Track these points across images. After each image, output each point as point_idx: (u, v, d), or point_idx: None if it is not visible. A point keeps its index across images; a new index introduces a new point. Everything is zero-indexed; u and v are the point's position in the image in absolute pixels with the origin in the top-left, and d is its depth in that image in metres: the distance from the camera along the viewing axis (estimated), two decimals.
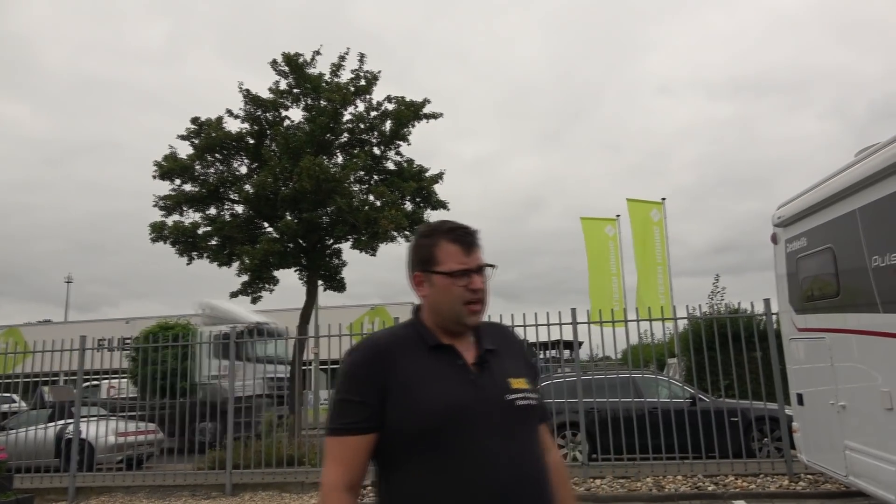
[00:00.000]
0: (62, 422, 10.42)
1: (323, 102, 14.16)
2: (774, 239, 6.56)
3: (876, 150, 4.74)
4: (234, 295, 14.37)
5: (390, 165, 15.15)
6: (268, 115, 14.56)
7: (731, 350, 8.22)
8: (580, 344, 9.22)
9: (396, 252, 18.52)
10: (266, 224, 14.68)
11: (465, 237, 1.61)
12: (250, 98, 14.38)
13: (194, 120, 14.60)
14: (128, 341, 19.94)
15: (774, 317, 7.83)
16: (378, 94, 14.81)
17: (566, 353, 18.46)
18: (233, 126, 14.58)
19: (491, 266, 1.64)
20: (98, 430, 9.85)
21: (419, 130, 14.98)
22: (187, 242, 14.20)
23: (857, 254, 4.88)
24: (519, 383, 1.59)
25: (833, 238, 5.32)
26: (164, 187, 14.63)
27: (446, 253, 1.59)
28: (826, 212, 5.43)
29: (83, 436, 9.59)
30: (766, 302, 8.16)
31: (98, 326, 30.30)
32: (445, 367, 1.54)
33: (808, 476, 7.47)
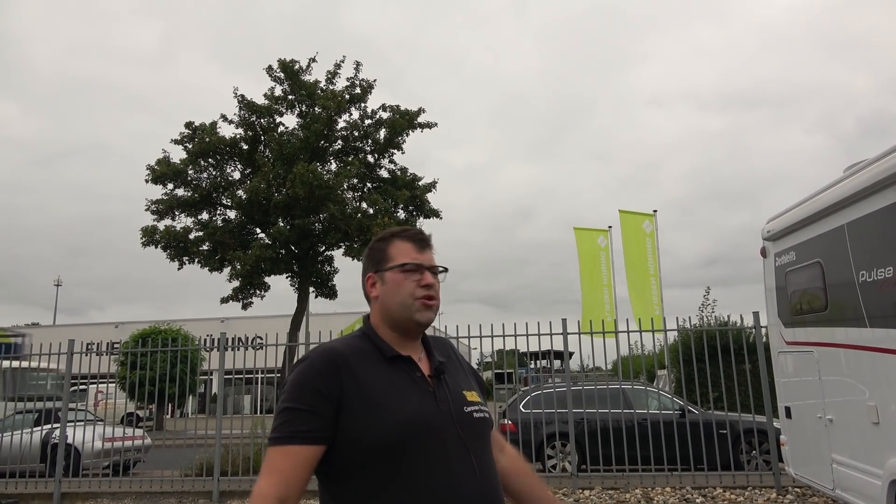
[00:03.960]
0: (48, 426, 10.32)
1: (318, 109, 14.19)
2: (764, 253, 6.61)
3: (864, 166, 4.80)
4: (224, 301, 14.33)
5: (384, 173, 15.20)
6: (262, 120, 14.59)
7: (720, 362, 8.25)
8: (571, 354, 9.24)
9: None
10: (258, 230, 14.67)
11: (418, 235, 1.62)
12: (245, 104, 14.40)
13: (188, 124, 14.60)
14: (117, 346, 19.79)
15: (763, 330, 7.88)
16: (372, 102, 14.89)
17: (556, 363, 18.47)
18: (227, 131, 14.60)
19: (443, 269, 1.61)
20: (84, 436, 9.77)
21: (411, 138, 15.06)
22: (179, 247, 14.17)
23: (845, 268, 4.92)
24: (472, 396, 1.58)
25: (821, 252, 5.37)
26: (157, 191, 14.62)
27: (399, 250, 1.58)
28: (815, 226, 5.48)
29: (69, 441, 9.50)
30: (756, 315, 8.21)
31: (87, 330, 30.01)
32: (405, 379, 1.50)
33: (796, 489, 7.50)
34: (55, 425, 9.91)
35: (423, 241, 1.61)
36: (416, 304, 1.54)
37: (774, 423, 7.60)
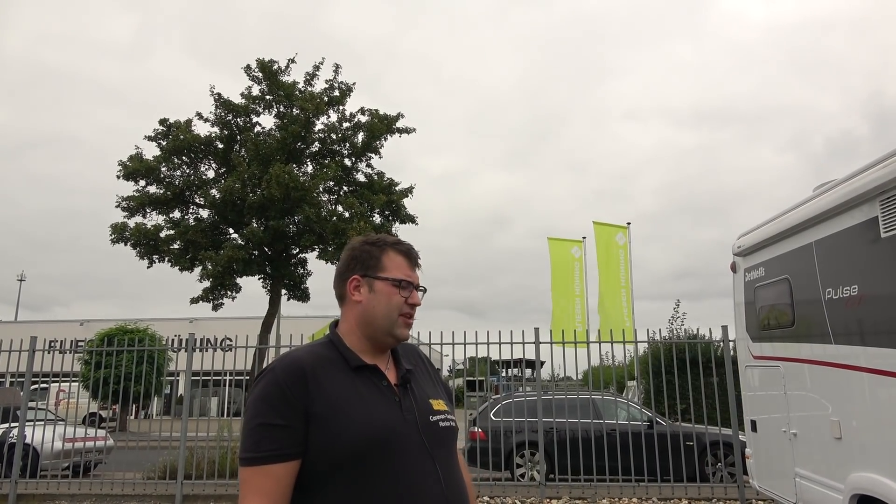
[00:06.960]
0: (6, 425, 10.02)
1: (295, 111, 14.10)
2: (734, 268, 6.71)
3: (833, 186, 4.91)
4: (194, 301, 14.10)
5: (361, 177, 15.14)
6: (239, 120, 14.44)
7: (688, 375, 8.36)
8: (542, 364, 9.27)
9: None
10: (231, 230, 14.48)
11: (412, 252, 1.64)
12: (221, 102, 14.24)
13: (162, 121, 14.40)
14: (81, 344, 19.32)
15: (732, 343, 7.99)
16: (350, 105, 14.83)
17: (528, 372, 18.51)
18: (202, 129, 14.41)
19: (424, 290, 1.65)
20: (44, 436, 9.51)
21: (389, 143, 15.03)
22: (149, 245, 13.92)
23: (812, 286, 5.02)
24: (439, 405, 1.58)
25: (790, 269, 5.47)
26: (128, 187, 14.36)
27: (393, 262, 1.58)
28: (784, 243, 5.58)
29: (28, 441, 9.24)
30: (724, 329, 8.33)
31: (50, 327, 29.39)
32: (370, 388, 1.49)
33: (760, 502, 7.61)
34: (13, 424, 9.63)
35: (415, 260, 1.63)
36: (400, 320, 1.56)
37: (740, 436, 7.71)
